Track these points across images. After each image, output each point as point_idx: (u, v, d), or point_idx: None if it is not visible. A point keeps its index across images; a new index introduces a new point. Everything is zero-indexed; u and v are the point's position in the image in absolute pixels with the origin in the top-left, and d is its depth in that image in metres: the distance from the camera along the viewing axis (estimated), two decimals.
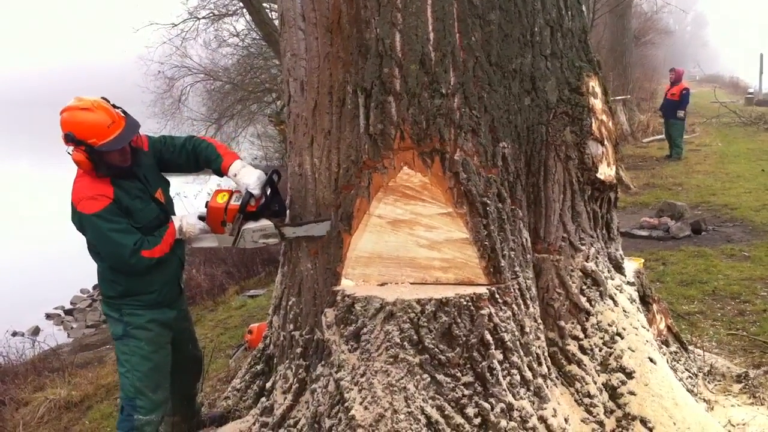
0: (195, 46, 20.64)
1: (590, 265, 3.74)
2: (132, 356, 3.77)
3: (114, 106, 3.64)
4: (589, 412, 3.52)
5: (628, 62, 23.97)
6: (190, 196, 10.88)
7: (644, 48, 33.79)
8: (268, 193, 3.72)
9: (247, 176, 3.69)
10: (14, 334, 11.30)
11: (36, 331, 12.57)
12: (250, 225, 3.67)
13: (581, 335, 3.68)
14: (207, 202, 3.77)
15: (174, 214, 3.92)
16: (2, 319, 11.41)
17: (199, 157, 3.89)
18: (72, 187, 3.62)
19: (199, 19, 19.30)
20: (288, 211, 3.84)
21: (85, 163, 3.50)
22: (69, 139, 3.47)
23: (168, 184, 4.02)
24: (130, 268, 3.62)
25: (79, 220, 3.58)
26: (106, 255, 3.67)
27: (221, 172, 3.80)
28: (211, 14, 19.42)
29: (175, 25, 19.21)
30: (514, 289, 3.41)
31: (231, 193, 3.72)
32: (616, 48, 23.57)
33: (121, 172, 3.64)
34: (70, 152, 3.52)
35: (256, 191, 3.64)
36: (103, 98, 3.64)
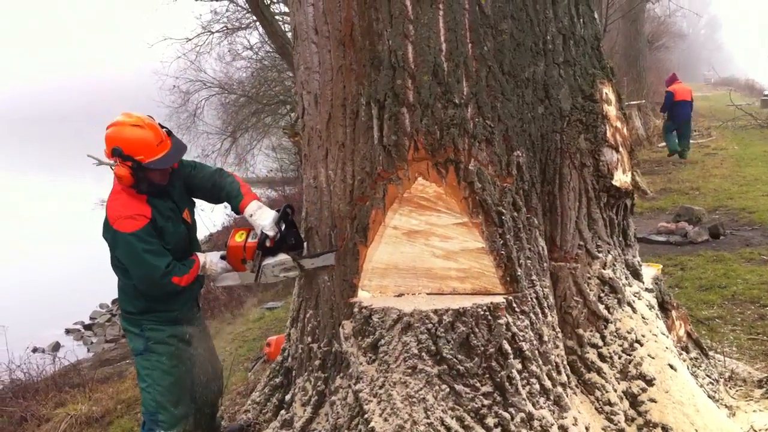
0: (209, 59, 20.91)
1: (608, 273, 3.73)
2: (153, 371, 3.80)
3: (160, 125, 3.69)
4: (610, 420, 3.50)
5: (642, 67, 23.95)
6: (206, 210, 10.91)
7: (658, 52, 33.72)
8: (283, 228, 3.78)
9: (262, 218, 3.74)
10: (35, 350, 11.35)
11: (56, 346, 12.64)
12: (269, 260, 3.75)
13: (600, 343, 3.66)
14: (226, 242, 3.86)
15: (196, 234, 3.98)
16: (23, 335, 11.48)
17: (222, 191, 3.94)
18: (107, 203, 3.67)
19: (212, 33, 19.53)
20: (305, 243, 3.89)
21: (128, 178, 3.55)
22: (116, 153, 3.52)
23: (194, 204, 4.08)
24: (159, 289, 3.67)
25: (113, 237, 3.62)
26: (137, 275, 3.69)
27: (238, 211, 3.87)
28: (224, 28, 19.60)
29: (189, 40, 19.44)
30: (531, 298, 3.40)
31: (248, 231, 3.83)
32: (630, 53, 23.58)
33: (158, 190, 3.70)
34: (113, 167, 3.56)
35: (270, 233, 3.70)
36: (149, 116, 3.70)
